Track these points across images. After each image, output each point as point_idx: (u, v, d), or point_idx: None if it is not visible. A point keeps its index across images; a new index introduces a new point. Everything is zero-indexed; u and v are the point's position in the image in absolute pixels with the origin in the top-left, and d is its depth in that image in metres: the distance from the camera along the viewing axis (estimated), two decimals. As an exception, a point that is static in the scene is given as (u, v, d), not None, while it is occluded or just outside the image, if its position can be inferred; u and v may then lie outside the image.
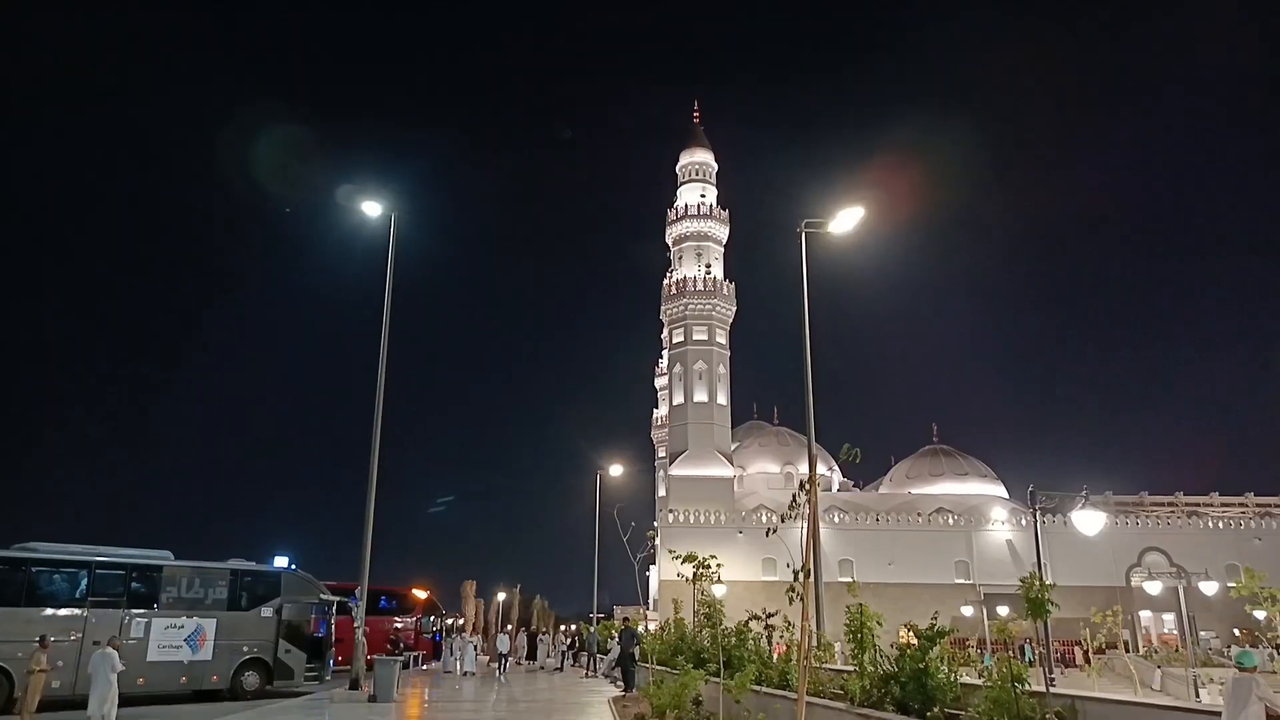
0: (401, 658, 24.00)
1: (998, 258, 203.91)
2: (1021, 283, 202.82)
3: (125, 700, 16.00)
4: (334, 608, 24.78)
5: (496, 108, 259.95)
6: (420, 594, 37.59)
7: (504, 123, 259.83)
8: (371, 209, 23.05)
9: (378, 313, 23.55)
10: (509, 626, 59.19)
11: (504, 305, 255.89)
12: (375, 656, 21.52)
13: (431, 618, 39.11)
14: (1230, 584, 21.78)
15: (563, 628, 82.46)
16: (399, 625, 35.03)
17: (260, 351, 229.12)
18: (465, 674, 30.73)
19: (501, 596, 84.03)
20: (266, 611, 22.56)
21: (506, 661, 34.32)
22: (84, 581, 20.10)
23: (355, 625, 22.95)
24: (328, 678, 24.42)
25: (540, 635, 41.48)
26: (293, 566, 24.75)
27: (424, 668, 34.76)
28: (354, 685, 21.93)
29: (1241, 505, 74.71)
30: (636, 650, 23.89)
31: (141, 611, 20.49)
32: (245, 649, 21.90)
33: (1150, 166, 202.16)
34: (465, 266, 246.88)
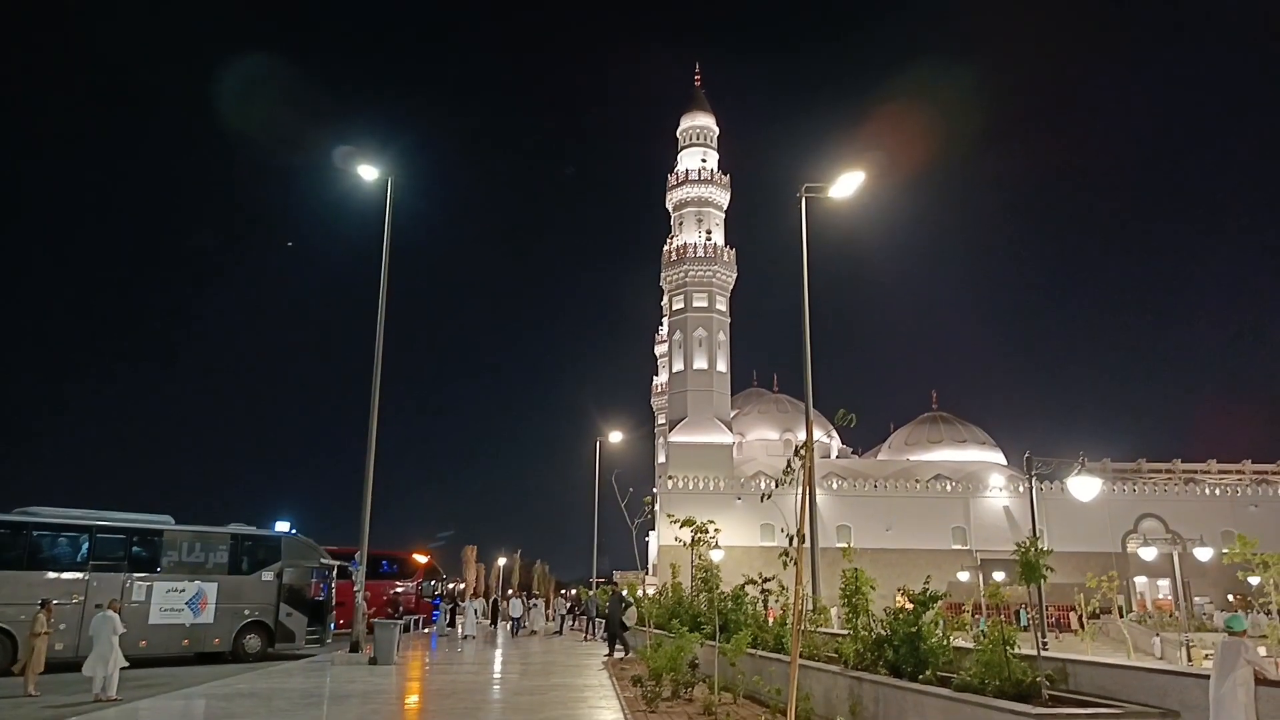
0: (401, 621, 24.22)
1: (999, 224, 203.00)
2: (1023, 248, 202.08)
3: (128, 662, 16.20)
4: (334, 572, 25.00)
5: (496, 71, 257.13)
6: (421, 558, 37.88)
7: (504, 86, 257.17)
8: (368, 172, 22.85)
9: (377, 278, 23.47)
10: (523, 591, 59.71)
11: (505, 271, 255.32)
12: (375, 620, 21.73)
13: (432, 582, 39.45)
14: (1225, 550, 21.90)
15: (563, 592, 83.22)
16: (399, 589, 35.36)
17: (261, 318, 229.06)
18: (465, 637, 31.06)
19: (502, 561, 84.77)
20: (267, 575, 22.77)
21: (519, 625, 34.71)
22: (85, 545, 20.25)
23: (355, 589, 23.16)
24: (329, 641, 24.70)
25: (534, 599, 41.88)
26: (293, 531, 24.95)
27: (424, 631, 35.13)
28: (354, 648, 22.18)
29: (1239, 472, 75.08)
30: (626, 615, 24.13)
31: (143, 575, 20.66)
32: (246, 612, 22.12)
33: (1152, 124, 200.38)
34: (465, 232, 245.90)
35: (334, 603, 25.44)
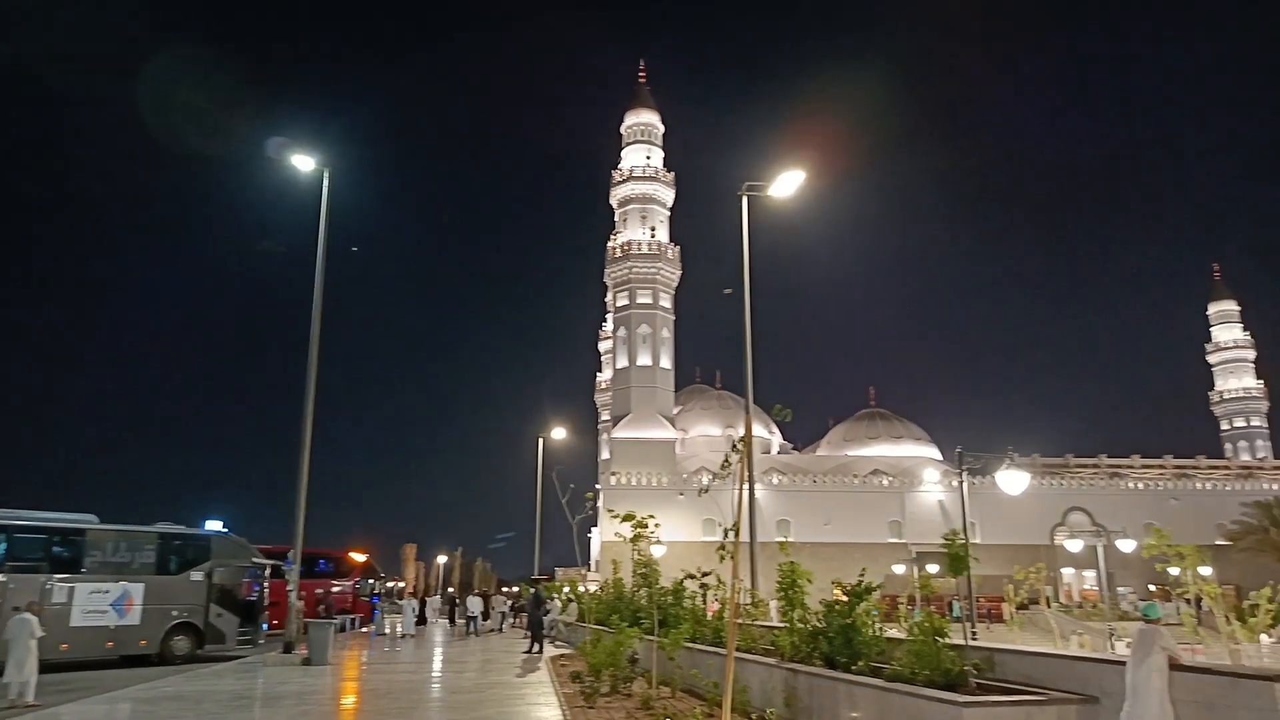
0: (336, 621, 23.82)
1: (934, 224, 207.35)
2: (958, 248, 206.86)
3: (49, 667, 15.62)
4: (267, 571, 24.45)
5: (438, 65, 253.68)
6: (358, 557, 37.27)
7: (446, 80, 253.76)
8: (303, 163, 22.34)
9: (313, 271, 22.98)
10: (483, 589, 59.04)
11: (444, 266, 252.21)
12: (310, 620, 21.32)
13: (370, 581, 38.85)
14: (1146, 543, 22.69)
15: (504, 589, 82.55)
16: (336, 589, 34.74)
17: (192, 313, 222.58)
18: (403, 636, 30.65)
19: (442, 560, 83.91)
20: (197, 575, 22.17)
21: (477, 623, 34.27)
22: (2, 546, 19.48)
23: (289, 589, 22.69)
24: (261, 642, 24.17)
25: (496, 597, 41.48)
26: (225, 530, 24.33)
27: (362, 630, 34.59)
28: (288, 649, 21.74)
29: (1161, 467, 77.89)
30: (545, 613, 24.22)
31: (64, 576, 19.95)
32: (175, 613, 21.51)
33: (1082, 125, 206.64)
34: (406, 227, 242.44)
35: (267, 603, 24.90)
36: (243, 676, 17.47)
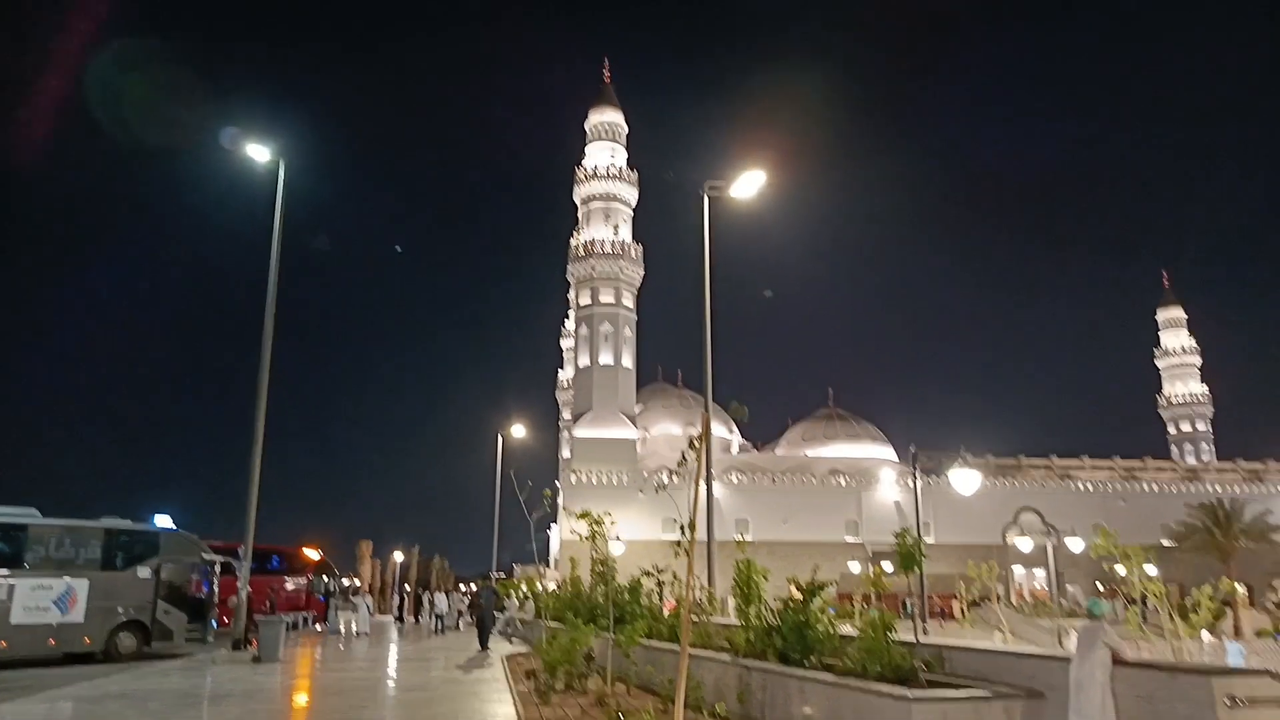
0: (285, 618, 23.43)
1: (891, 227, 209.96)
2: (914, 250, 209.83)
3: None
4: (217, 567, 24.00)
5: (400, 58, 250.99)
6: (311, 554, 36.73)
7: (408, 74, 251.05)
8: (258, 153, 21.94)
9: (268, 263, 22.60)
10: (447, 586, 58.35)
11: (405, 260, 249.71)
12: (260, 617, 20.97)
13: (324, 578, 38.30)
14: (1094, 542, 23.21)
15: (461, 586, 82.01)
16: (288, 585, 34.21)
17: (144, 304, 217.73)
18: (358, 634, 30.29)
19: (399, 557, 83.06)
20: (144, 571, 21.68)
21: (443, 621, 33.87)
22: (-61, 542, 18.90)
23: (239, 585, 22.30)
24: (210, 639, 23.72)
25: (466, 594, 41.10)
26: (174, 525, 23.83)
27: (316, 628, 34.13)
28: (237, 646, 21.38)
29: (1109, 469, 79.57)
30: (501, 609, 24.13)
31: (4, 572, 19.39)
32: (120, 610, 21.01)
33: (1037, 128, 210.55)
34: (365, 221, 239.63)
35: (217, 599, 24.44)
36: (190, 674, 17.15)
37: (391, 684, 16.47)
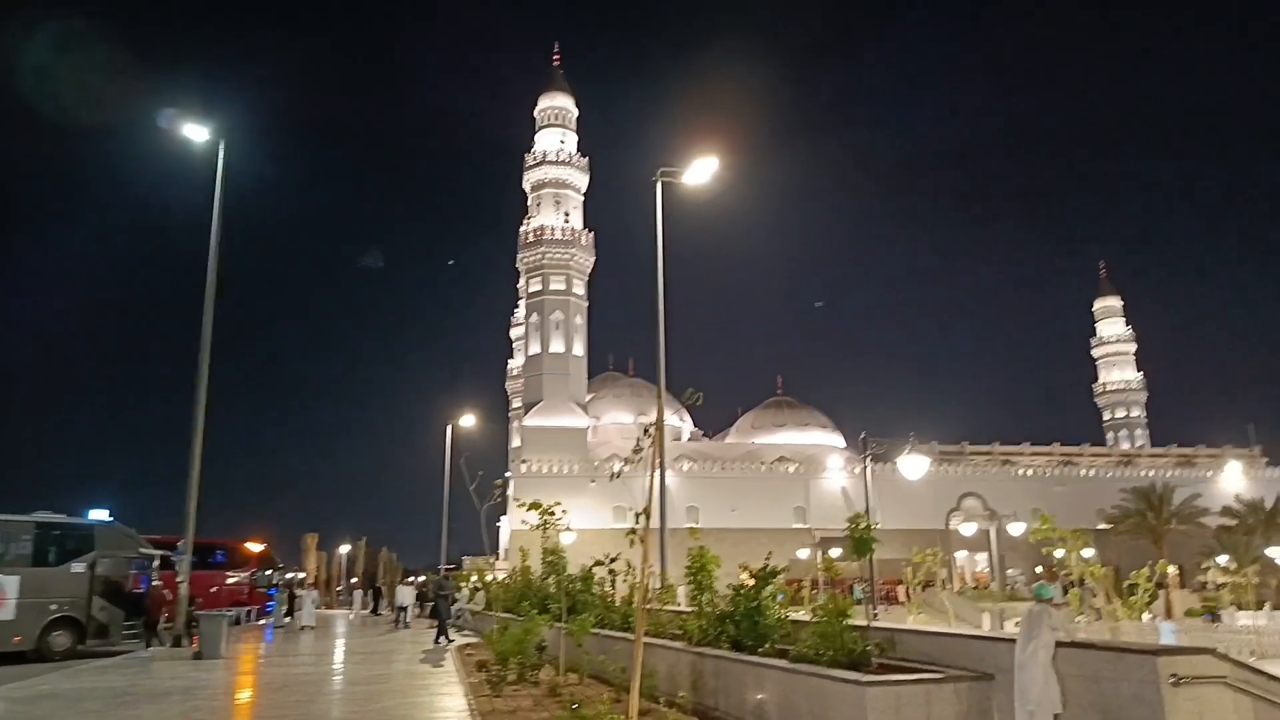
0: (228, 613, 22.86)
1: (837, 215, 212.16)
2: (860, 239, 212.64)
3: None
4: (156, 562, 23.33)
5: (344, 41, 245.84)
6: (254, 547, 35.95)
7: (354, 55, 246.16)
8: (196, 134, 21.20)
9: (207, 248, 21.92)
10: (411, 579, 57.27)
11: (350, 247, 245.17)
12: (200, 612, 20.44)
13: (268, 572, 37.54)
14: (1033, 526, 23.74)
15: (410, 578, 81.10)
16: (231, 580, 33.45)
17: (76, 288, 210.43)
18: (303, 628, 29.75)
19: (345, 549, 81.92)
20: (78, 567, 20.98)
21: (407, 614, 33.23)
22: None
23: (179, 580, 21.71)
24: (152, 637, 23.05)
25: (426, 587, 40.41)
26: (111, 519, 23.10)
27: (259, 623, 33.45)
28: (176, 642, 20.83)
29: (1048, 454, 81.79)
30: (446, 601, 23.99)
31: (-72, 569, 18.62)
32: (54, 607, 20.32)
33: (982, 124, 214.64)
34: (308, 205, 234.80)
35: (160, 595, 23.76)
36: (128, 672, 16.62)
37: (339, 678, 16.18)
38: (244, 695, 13.93)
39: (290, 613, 33.22)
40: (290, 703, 12.49)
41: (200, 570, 26.63)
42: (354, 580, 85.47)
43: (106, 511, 23.65)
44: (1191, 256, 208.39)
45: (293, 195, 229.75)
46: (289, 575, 50.89)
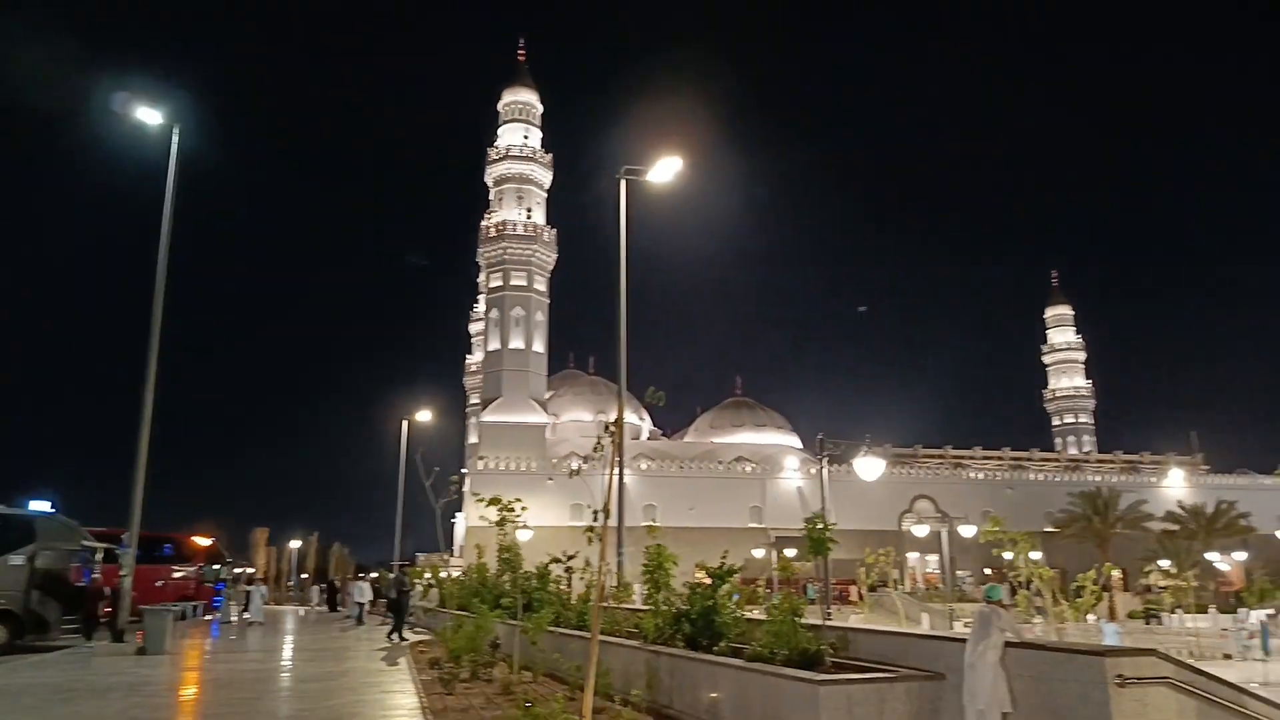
0: (173, 608, 22.34)
1: (798, 219, 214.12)
2: (820, 243, 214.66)
3: None
4: (99, 555, 22.72)
5: (306, 32, 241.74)
6: (202, 541, 35.21)
7: (316, 44, 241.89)
8: (149, 117, 20.66)
9: (158, 235, 21.40)
10: (367, 575, 56.51)
11: (307, 236, 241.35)
12: (145, 607, 19.94)
13: (215, 566, 36.78)
14: (984, 529, 24.24)
15: (361, 575, 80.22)
16: (177, 574, 32.71)
17: (22, 274, 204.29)
18: (251, 624, 29.21)
19: (296, 544, 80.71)
20: (16, 559, 20.33)
21: (364, 610, 32.69)
22: None
23: (122, 573, 21.16)
24: (94, 632, 22.46)
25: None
26: (51, 510, 22.44)
27: (205, 618, 32.79)
28: (118, 638, 20.31)
29: (999, 459, 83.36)
30: (405, 597, 23.79)
31: None
32: (-10, 600, 19.68)
33: (943, 128, 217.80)
34: (265, 193, 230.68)
35: (103, 589, 23.16)
36: (67, 668, 16.16)
37: (288, 675, 15.90)
38: (189, 692, 13.62)
39: (217, 607, 32.72)
40: (237, 700, 12.23)
41: (145, 564, 25.98)
42: (304, 576, 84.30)
43: (48, 503, 22.98)
44: (1138, 268, 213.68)
45: (248, 186, 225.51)
46: (237, 570, 49.98)
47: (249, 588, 34.45)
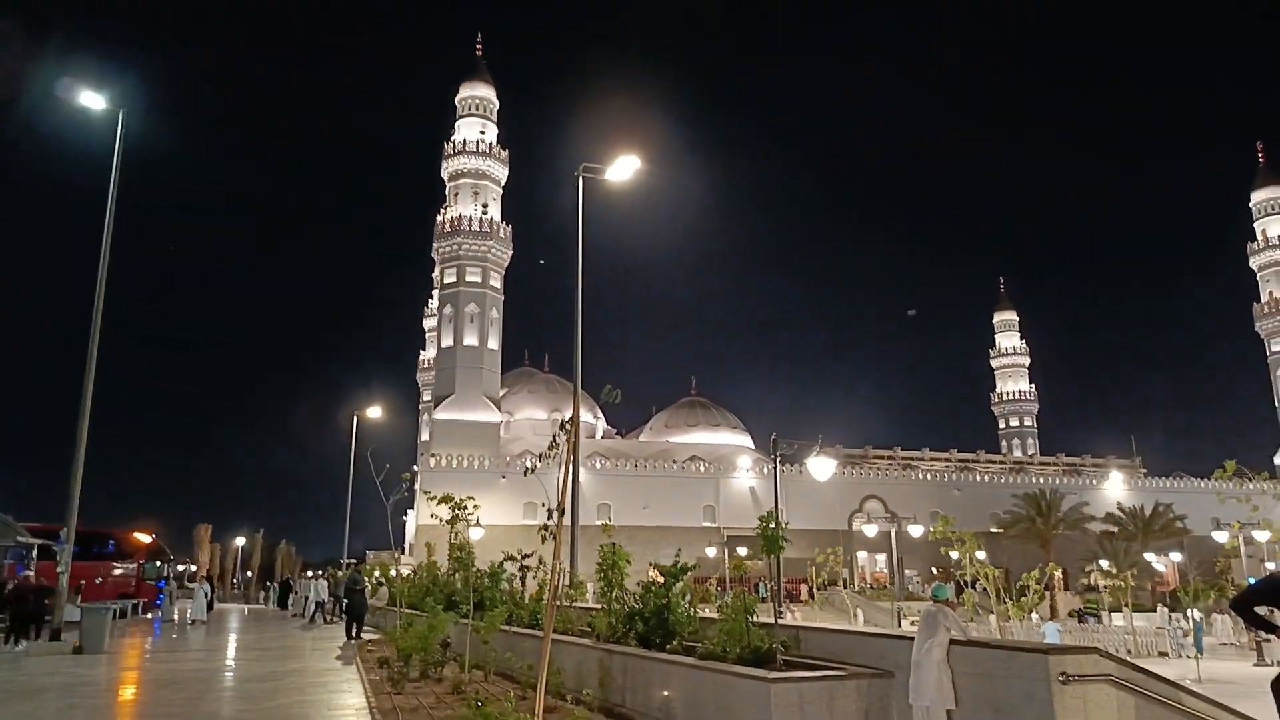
0: (113, 605, 21.76)
1: (752, 220, 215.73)
2: (777, 245, 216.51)
3: None
4: (34, 551, 22.03)
5: (259, 13, 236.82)
6: (143, 538, 34.35)
7: (268, 29, 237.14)
8: (93, 101, 20.04)
9: (102, 225, 20.78)
10: (323, 573, 55.21)
11: (260, 229, 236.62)
12: (84, 604, 19.39)
13: (157, 563, 35.91)
14: (932, 528, 24.63)
15: (309, 573, 79.04)
16: (117, 571, 31.88)
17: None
18: (193, 622, 28.56)
19: (241, 542, 79.15)
20: (-56, 556, 19.65)
21: (322, 610, 31.95)
22: None
23: (59, 570, 20.53)
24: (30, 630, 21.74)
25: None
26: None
27: (146, 615, 31.99)
28: (55, 636, 19.68)
29: (946, 460, 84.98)
30: (360, 596, 23.51)
31: None
32: (-84, 599, 18.97)
33: (894, 122, 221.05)
34: (217, 185, 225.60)
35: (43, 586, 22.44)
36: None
37: (231, 675, 15.57)
38: (127, 692, 13.26)
39: (210, 605, 31.95)
40: (178, 700, 11.94)
41: (84, 561, 25.29)
42: (249, 574, 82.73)
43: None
44: (1081, 275, 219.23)
45: (201, 176, 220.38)
46: (180, 568, 48.85)
47: (193, 585, 33.73)
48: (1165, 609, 32.04)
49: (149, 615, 32.22)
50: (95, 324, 20.45)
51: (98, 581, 29.71)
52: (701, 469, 68.38)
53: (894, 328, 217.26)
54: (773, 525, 9.62)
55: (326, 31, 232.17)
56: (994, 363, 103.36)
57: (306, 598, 35.35)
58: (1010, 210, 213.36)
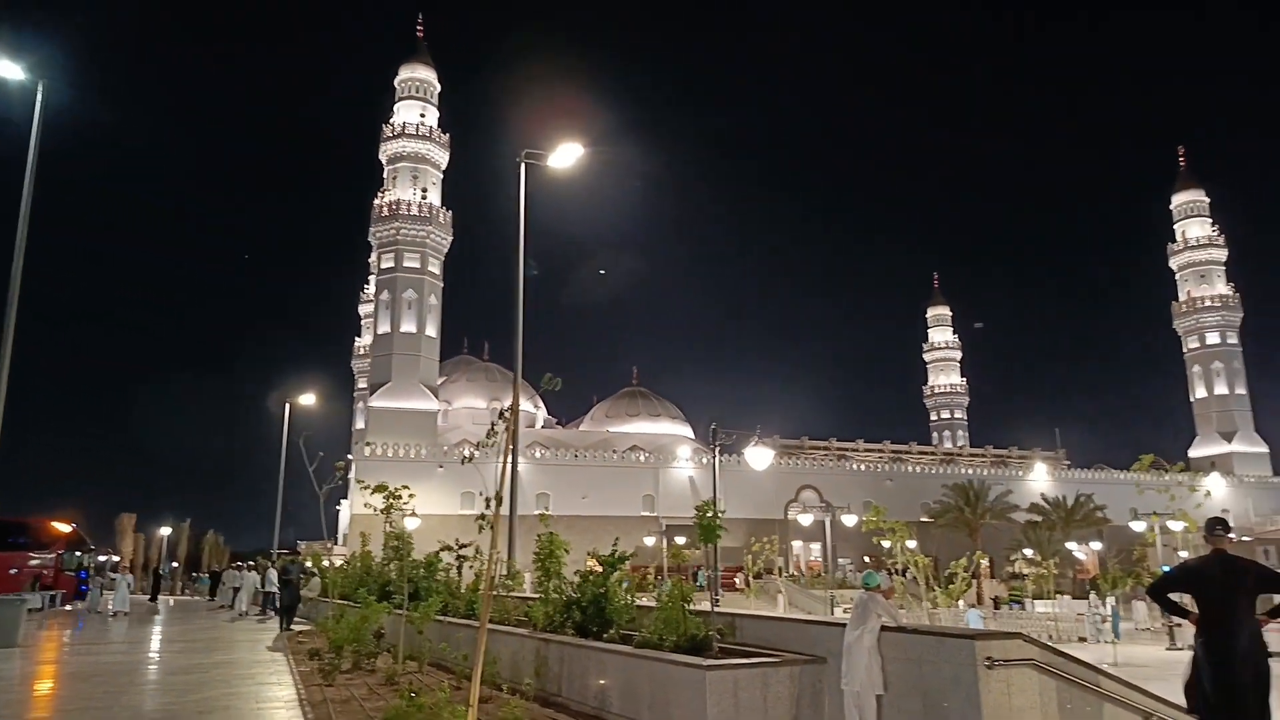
0: (29, 597, 20.95)
1: (694, 210, 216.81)
2: (716, 236, 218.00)
3: None
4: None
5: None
6: (62, 527, 33.09)
7: (201, 6, 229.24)
8: (10, 71, 19.08)
9: (18, 201, 19.84)
10: (239, 564, 53.59)
11: (192, 208, 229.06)
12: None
13: (77, 553, 34.63)
14: (865, 518, 25.15)
15: (237, 564, 77.27)
16: (34, 562, 30.66)
17: None
18: (115, 614, 27.66)
19: (166, 531, 76.88)
20: None
21: (275, 600, 30.93)
22: None
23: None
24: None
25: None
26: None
27: (66, 608, 30.86)
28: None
29: (880, 451, 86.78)
30: (293, 587, 23.10)
31: None
32: None
33: (832, 112, 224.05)
34: (147, 162, 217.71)
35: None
36: (-97, 664, 14.90)
37: (156, 667, 15.11)
38: (43, 686, 12.78)
39: (79, 597, 30.90)
40: (98, 694, 11.54)
41: (-4, 552, 24.29)
42: (175, 565, 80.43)
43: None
44: (1010, 270, 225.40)
45: (129, 152, 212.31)
46: (101, 558, 47.24)
47: (114, 575, 32.65)
48: (1095, 595, 33.22)
49: (68, 607, 31.09)
50: (12, 300, 19.55)
51: (12, 572, 28.55)
52: (641, 459, 68.59)
53: (831, 320, 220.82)
54: (710, 514, 9.71)
55: (262, 7, 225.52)
56: (926, 356, 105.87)
57: (234, 589, 34.38)
58: (945, 205, 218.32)
